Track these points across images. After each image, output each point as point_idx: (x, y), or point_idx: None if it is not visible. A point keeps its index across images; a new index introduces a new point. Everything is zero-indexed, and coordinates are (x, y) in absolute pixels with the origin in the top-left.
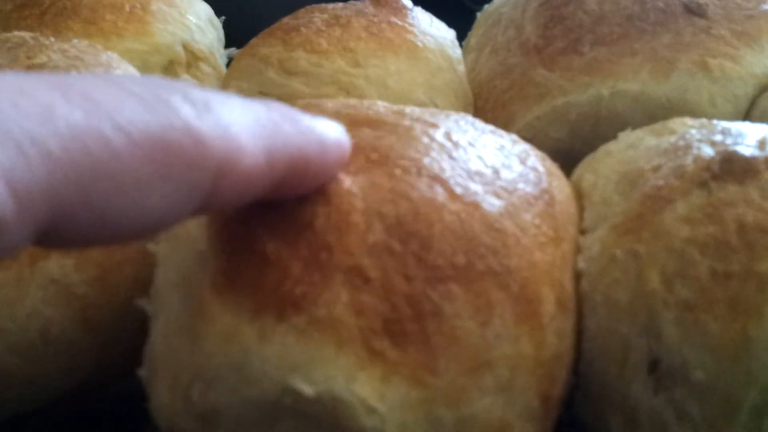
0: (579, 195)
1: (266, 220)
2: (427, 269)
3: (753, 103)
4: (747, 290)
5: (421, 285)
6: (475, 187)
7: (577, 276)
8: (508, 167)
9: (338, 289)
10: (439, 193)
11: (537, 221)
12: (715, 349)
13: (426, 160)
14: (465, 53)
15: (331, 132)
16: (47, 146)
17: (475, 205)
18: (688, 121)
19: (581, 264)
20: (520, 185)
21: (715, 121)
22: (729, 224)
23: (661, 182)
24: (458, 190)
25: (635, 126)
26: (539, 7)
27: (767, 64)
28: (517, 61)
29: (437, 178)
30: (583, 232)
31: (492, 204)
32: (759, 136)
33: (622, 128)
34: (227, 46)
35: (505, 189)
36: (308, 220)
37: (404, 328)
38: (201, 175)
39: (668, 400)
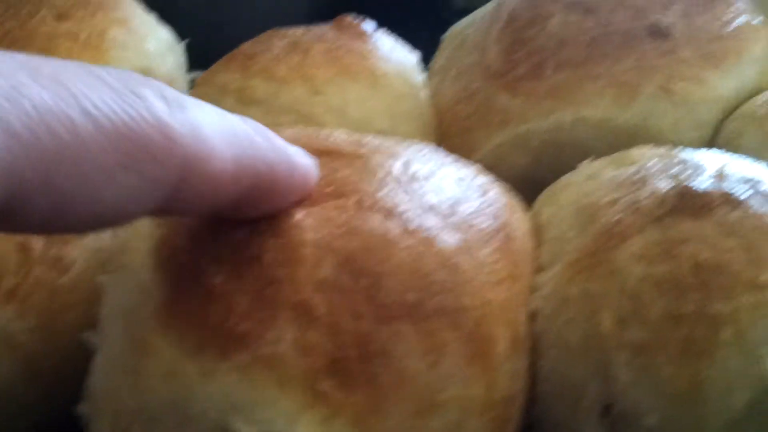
0: (537, 229)
1: (214, 251)
2: (377, 307)
3: (718, 126)
4: (700, 332)
5: (369, 324)
6: (431, 221)
7: (532, 315)
8: (467, 200)
9: (284, 325)
10: (393, 229)
11: (494, 258)
12: (667, 393)
13: (381, 194)
14: (430, 76)
15: (301, 158)
16: (11, 125)
17: (430, 241)
18: (649, 150)
19: (536, 303)
20: (478, 220)
21: (675, 151)
22: (684, 263)
23: (616, 217)
24: (412, 226)
25: (599, 153)
26: (503, 30)
27: (733, 86)
28: (480, 86)
29: (391, 213)
30: (539, 269)
31: (447, 240)
32: (716, 168)
33: (586, 155)
34: (194, 68)
35: (462, 224)
36: (256, 253)
37: (350, 368)
38: (166, 171)
39: None
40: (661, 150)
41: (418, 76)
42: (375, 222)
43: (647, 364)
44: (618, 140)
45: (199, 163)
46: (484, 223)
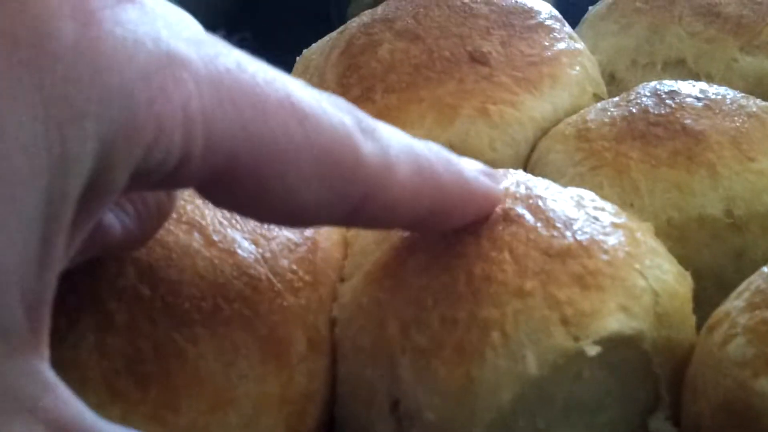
0: (346, 242)
1: None
2: (174, 314)
3: (533, 145)
4: (471, 335)
5: (165, 328)
6: (234, 234)
7: (333, 322)
8: None
9: (84, 331)
10: (196, 240)
11: (294, 267)
12: (443, 391)
13: (189, 207)
14: None
15: (481, 182)
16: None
17: (230, 252)
18: None
19: (335, 311)
20: (283, 232)
21: None
22: (459, 274)
23: (407, 233)
24: (215, 237)
25: None
26: (340, 56)
27: (547, 108)
28: None
29: (196, 225)
30: (342, 280)
31: (248, 251)
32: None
33: None
34: None
35: (264, 236)
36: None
37: (147, 368)
38: (352, 189)
39: None
40: None
41: None
42: (179, 233)
43: (426, 366)
44: None
45: (381, 185)
46: (289, 234)
